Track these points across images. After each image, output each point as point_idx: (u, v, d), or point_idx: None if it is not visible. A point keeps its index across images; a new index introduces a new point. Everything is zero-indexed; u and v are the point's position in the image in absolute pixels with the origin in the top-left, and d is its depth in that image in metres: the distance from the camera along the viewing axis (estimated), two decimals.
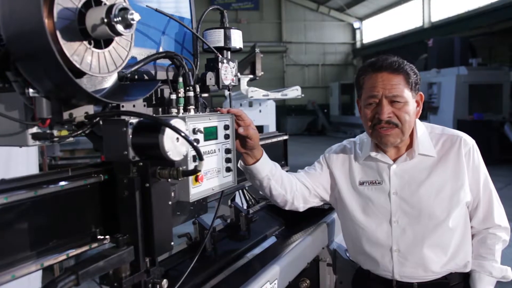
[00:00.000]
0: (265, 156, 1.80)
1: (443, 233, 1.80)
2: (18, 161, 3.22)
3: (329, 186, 2.03)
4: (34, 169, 3.52)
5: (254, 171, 1.79)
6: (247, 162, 1.78)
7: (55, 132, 1.08)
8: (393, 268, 1.85)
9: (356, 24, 26.38)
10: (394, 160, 1.88)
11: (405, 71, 1.75)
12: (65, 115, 1.06)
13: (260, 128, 6.57)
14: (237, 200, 2.31)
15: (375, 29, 24.90)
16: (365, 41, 26.22)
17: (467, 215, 1.88)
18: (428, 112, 14.19)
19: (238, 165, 1.80)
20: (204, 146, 1.38)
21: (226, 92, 1.73)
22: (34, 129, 1.06)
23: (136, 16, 0.98)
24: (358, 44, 26.85)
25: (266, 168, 1.81)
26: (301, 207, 2.01)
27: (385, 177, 1.88)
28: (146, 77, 1.36)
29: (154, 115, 1.38)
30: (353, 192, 1.95)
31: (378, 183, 1.89)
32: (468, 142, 1.85)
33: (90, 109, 1.11)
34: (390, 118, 1.75)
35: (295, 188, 1.94)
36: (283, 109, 22.74)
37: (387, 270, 1.88)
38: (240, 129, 1.61)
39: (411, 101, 1.77)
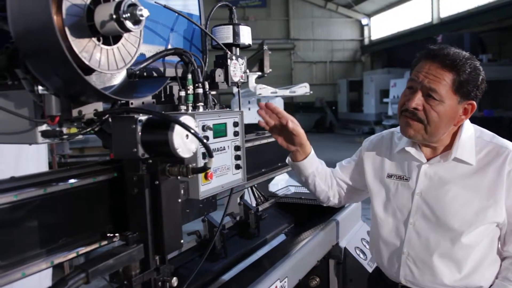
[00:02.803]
0: (313, 154, 1.90)
1: (459, 248, 1.65)
2: (28, 159, 3.24)
3: (359, 179, 2.01)
4: (44, 167, 3.54)
5: (301, 167, 1.89)
6: (296, 158, 1.89)
7: (64, 130, 1.08)
8: (399, 270, 1.77)
9: (364, 21, 26.23)
10: (429, 160, 1.74)
11: (457, 70, 1.55)
12: (74, 113, 1.05)
13: None
14: (246, 197, 2.31)
15: (384, 25, 24.73)
16: (374, 37, 26.07)
17: (495, 238, 1.68)
18: None
19: (286, 161, 1.98)
20: (213, 143, 1.37)
21: (235, 89, 1.73)
22: (44, 127, 1.05)
23: (145, 12, 0.97)
24: (366, 41, 26.70)
25: (313, 165, 1.90)
26: (337, 203, 2.08)
27: (414, 175, 1.76)
28: (155, 74, 1.35)
29: (163, 112, 1.38)
30: (380, 184, 1.88)
31: (405, 179, 1.78)
32: None
33: (99, 106, 1.11)
34: (417, 111, 1.60)
35: (335, 185, 2.02)
36: (291, 106, 22.70)
37: (392, 271, 1.81)
38: (290, 124, 1.73)
39: (449, 103, 1.57)
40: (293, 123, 1.76)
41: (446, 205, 1.66)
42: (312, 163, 1.90)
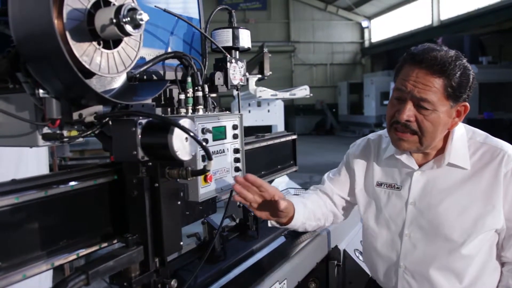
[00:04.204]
0: (297, 209, 1.65)
1: (458, 259, 1.56)
2: (29, 161, 3.24)
3: (353, 189, 1.84)
4: (44, 170, 3.54)
5: (289, 226, 1.68)
6: (281, 222, 1.65)
7: (65, 133, 1.09)
8: (397, 284, 1.67)
9: (365, 23, 26.24)
10: (420, 166, 1.62)
11: (447, 75, 1.43)
12: (75, 116, 1.06)
13: (268, 128, 6.57)
14: None
15: (384, 28, 24.75)
16: (374, 40, 26.08)
17: (494, 244, 1.59)
18: None
19: (269, 224, 1.74)
20: (212, 146, 1.38)
21: (235, 92, 1.73)
22: (44, 130, 1.06)
23: (144, 17, 0.98)
24: (366, 43, 26.71)
25: (300, 218, 1.68)
26: (330, 221, 1.89)
27: (406, 183, 1.64)
28: (154, 77, 1.36)
29: (163, 115, 1.39)
30: (369, 193, 1.76)
31: (397, 188, 1.67)
32: None
33: (100, 109, 1.12)
34: (409, 123, 1.49)
35: (324, 211, 1.82)
36: (292, 109, 22.75)
37: (390, 285, 1.72)
38: (282, 204, 1.47)
39: (442, 110, 1.46)
40: (284, 201, 1.50)
41: (442, 214, 1.57)
42: (299, 218, 1.66)
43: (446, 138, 1.58)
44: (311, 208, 1.75)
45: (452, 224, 1.54)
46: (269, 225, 1.72)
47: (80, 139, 1.15)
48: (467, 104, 1.53)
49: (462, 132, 1.60)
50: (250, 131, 2.29)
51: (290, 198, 1.68)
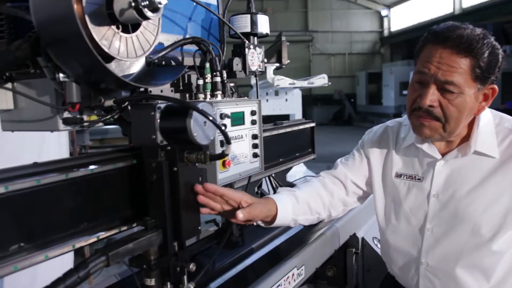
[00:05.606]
0: (280, 205, 1.50)
1: (486, 255, 1.45)
2: (50, 148, 3.32)
3: (368, 176, 1.72)
4: (65, 156, 3.62)
5: (277, 223, 1.53)
6: (266, 222, 1.52)
7: (85, 117, 1.10)
8: (419, 282, 1.57)
9: (384, 12, 25.88)
10: (443, 155, 1.50)
11: (475, 54, 1.30)
12: (94, 100, 1.07)
13: (286, 117, 6.54)
14: (264, 186, 2.31)
15: (404, 16, 24.37)
16: (393, 29, 25.71)
17: None
18: None
19: (254, 223, 1.57)
20: (231, 131, 1.38)
21: (253, 81, 1.73)
22: (65, 114, 1.08)
23: (163, 0, 0.98)
24: (386, 32, 26.35)
25: (289, 214, 1.54)
26: (341, 211, 1.74)
27: (428, 174, 1.53)
28: (173, 63, 1.36)
29: (181, 99, 1.39)
30: (387, 185, 1.64)
31: (418, 179, 1.55)
32: None
33: (119, 94, 1.13)
34: (433, 109, 1.37)
35: (327, 202, 1.67)
36: (310, 99, 22.67)
37: (410, 283, 1.62)
38: (240, 215, 1.32)
39: (468, 93, 1.34)
40: (245, 209, 1.34)
41: (469, 207, 1.45)
42: (286, 215, 1.52)
43: (471, 125, 1.47)
44: (307, 201, 1.61)
45: (479, 218, 1.43)
46: (254, 224, 1.56)
47: (100, 124, 1.16)
48: (495, 86, 1.40)
49: (489, 117, 1.48)
50: (268, 120, 2.28)
51: (280, 193, 1.59)
